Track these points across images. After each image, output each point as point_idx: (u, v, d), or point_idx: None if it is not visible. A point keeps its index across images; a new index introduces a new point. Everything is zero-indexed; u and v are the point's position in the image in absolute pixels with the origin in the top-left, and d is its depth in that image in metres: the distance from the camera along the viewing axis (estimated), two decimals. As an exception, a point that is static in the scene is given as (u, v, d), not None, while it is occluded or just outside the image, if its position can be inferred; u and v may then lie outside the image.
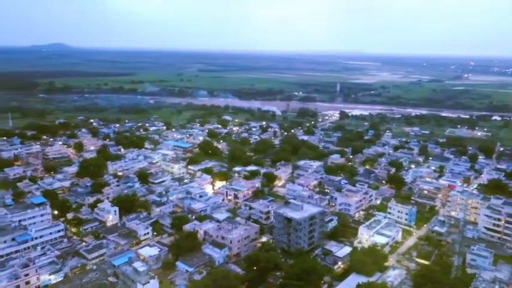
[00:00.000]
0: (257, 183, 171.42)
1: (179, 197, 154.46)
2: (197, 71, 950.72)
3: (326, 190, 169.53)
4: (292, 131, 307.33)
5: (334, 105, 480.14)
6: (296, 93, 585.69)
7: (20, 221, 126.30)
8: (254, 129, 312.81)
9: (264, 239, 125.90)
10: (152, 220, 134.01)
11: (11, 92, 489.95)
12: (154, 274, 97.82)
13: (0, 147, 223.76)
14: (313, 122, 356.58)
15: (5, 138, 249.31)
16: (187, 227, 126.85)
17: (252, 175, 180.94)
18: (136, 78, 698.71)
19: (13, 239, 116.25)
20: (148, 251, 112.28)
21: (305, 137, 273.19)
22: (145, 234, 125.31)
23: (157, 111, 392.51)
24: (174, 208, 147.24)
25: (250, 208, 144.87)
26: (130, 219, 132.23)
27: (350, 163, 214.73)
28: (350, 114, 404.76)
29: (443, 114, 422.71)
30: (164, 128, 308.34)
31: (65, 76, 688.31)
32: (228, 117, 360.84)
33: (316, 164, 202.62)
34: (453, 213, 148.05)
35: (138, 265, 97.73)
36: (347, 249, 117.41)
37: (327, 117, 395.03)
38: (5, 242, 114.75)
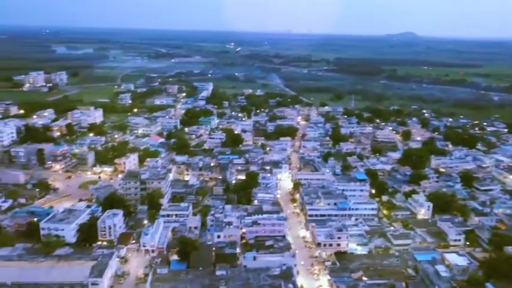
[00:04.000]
0: None
1: (506, 212, 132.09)
2: None
3: None
4: None
5: None
6: None
7: (343, 190, 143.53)
8: None
9: None
10: (467, 228, 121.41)
11: (358, 77, 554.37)
12: (457, 285, 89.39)
13: (342, 123, 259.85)
14: None
15: (345, 116, 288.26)
16: (510, 249, 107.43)
17: None
18: (481, 71, 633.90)
19: (335, 204, 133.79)
20: (456, 259, 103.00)
21: None
22: (455, 240, 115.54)
23: (500, 110, 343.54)
24: (496, 223, 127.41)
25: None
26: (443, 220, 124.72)
27: None
28: None
29: None
30: (505, 130, 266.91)
31: (407, 64, 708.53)
32: None
33: None
34: None
35: (441, 269, 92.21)
36: None
37: None
38: (328, 204, 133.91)
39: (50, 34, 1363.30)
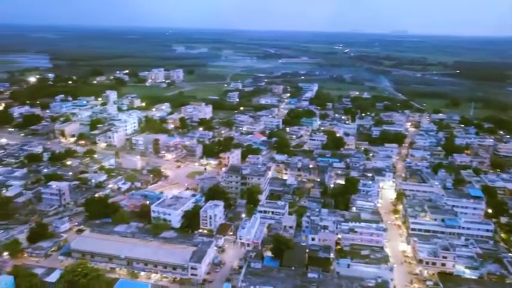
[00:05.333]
0: None
1: None
2: None
3: None
4: None
5: None
6: None
7: (453, 206, 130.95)
8: None
9: None
10: None
11: (479, 83, 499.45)
12: None
13: (457, 133, 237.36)
14: None
15: (462, 125, 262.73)
16: None
17: None
18: None
19: (442, 220, 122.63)
20: None
21: None
22: None
23: None
24: None
25: None
26: None
27: None
28: None
29: None
30: None
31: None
32: None
33: None
34: None
35: None
36: None
37: None
38: (435, 219, 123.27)
39: (172, 35, 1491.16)
